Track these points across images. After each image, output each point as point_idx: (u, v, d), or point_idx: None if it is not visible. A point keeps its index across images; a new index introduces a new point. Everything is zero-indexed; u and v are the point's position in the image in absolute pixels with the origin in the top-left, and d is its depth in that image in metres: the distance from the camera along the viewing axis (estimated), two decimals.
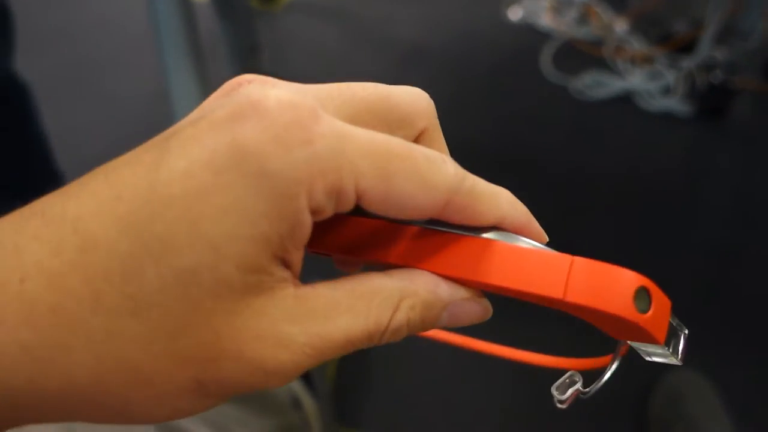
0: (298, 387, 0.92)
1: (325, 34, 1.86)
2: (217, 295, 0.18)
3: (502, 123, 1.56)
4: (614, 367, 0.29)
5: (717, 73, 1.52)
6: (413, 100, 0.24)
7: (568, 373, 0.29)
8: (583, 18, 1.85)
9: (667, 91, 1.62)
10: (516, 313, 1.13)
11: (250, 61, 1.42)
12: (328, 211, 0.20)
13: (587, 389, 0.28)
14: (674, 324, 0.26)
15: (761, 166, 1.45)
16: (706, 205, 1.36)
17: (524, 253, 0.23)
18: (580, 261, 0.23)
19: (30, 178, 1.12)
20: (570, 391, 0.28)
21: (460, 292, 0.23)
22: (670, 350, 0.25)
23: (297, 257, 0.20)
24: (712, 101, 1.54)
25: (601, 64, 1.70)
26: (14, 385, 0.18)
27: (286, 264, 0.20)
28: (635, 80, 1.63)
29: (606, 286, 0.22)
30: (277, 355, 0.19)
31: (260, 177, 0.18)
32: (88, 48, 1.83)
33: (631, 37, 1.77)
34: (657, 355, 0.26)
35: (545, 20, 1.84)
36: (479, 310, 0.25)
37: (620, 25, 1.81)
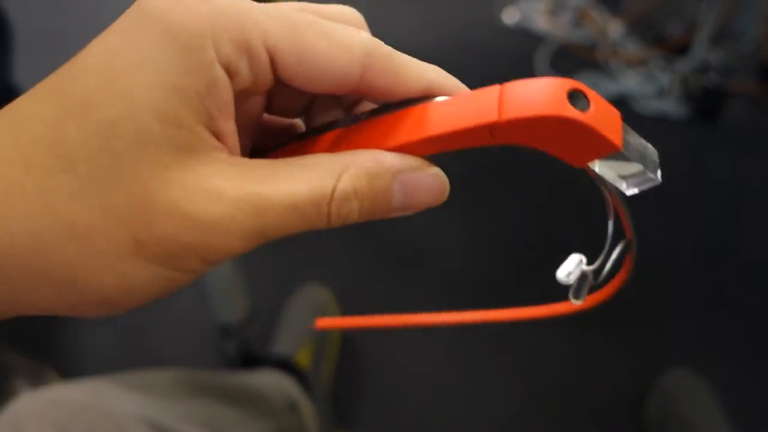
0: (294, 390, 0.92)
1: None
2: (140, 146, 0.18)
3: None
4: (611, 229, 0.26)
5: (711, 75, 1.53)
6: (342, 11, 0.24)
7: (570, 258, 0.26)
8: (578, 21, 1.85)
9: (661, 93, 1.63)
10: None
11: None
12: (244, 72, 0.20)
13: (593, 268, 0.27)
14: (635, 142, 0.23)
15: (756, 168, 1.45)
16: (701, 207, 1.37)
17: (455, 99, 0.22)
18: (509, 83, 0.22)
19: None
20: (575, 272, 0.27)
21: (407, 160, 0.22)
22: (638, 161, 0.22)
23: (227, 128, 0.20)
24: (706, 104, 1.54)
25: (595, 67, 1.71)
26: None
27: (216, 134, 0.20)
28: (630, 83, 1.64)
29: (537, 94, 0.21)
30: (209, 207, 0.19)
31: (164, 32, 0.19)
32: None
33: (625, 40, 1.77)
34: (630, 177, 0.24)
35: (540, 23, 1.85)
36: (432, 180, 0.23)
37: (615, 28, 1.81)
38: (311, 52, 0.20)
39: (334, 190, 0.20)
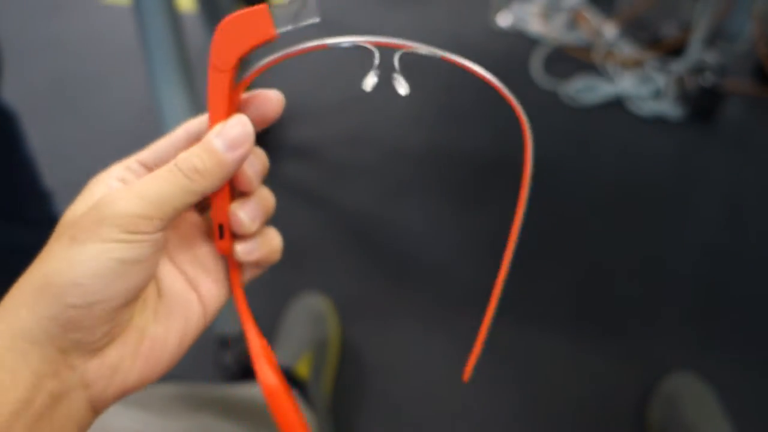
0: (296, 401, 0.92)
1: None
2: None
3: (492, 130, 1.56)
4: None
5: (707, 76, 1.52)
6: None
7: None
8: (572, 23, 1.85)
9: (657, 95, 1.62)
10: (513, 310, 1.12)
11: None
12: (130, 178, 0.36)
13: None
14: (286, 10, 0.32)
15: (752, 168, 1.45)
16: (698, 208, 1.36)
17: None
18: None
19: (18, 201, 1.11)
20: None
21: (215, 127, 0.34)
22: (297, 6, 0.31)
23: None
24: (702, 104, 1.54)
25: (591, 69, 1.71)
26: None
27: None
28: (626, 85, 1.64)
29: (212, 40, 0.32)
30: (107, 198, 0.31)
31: (93, 184, 0.36)
32: (74, 63, 1.82)
33: (620, 42, 1.77)
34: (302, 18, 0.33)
35: (534, 26, 1.84)
36: (237, 124, 0.34)
37: (609, 30, 1.81)
38: (157, 148, 0.38)
39: (176, 159, 0.32)
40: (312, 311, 1.09)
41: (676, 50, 1.69)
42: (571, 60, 1.74)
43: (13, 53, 1.86)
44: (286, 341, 1.05)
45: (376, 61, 0.36)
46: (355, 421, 1.03)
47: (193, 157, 0.32)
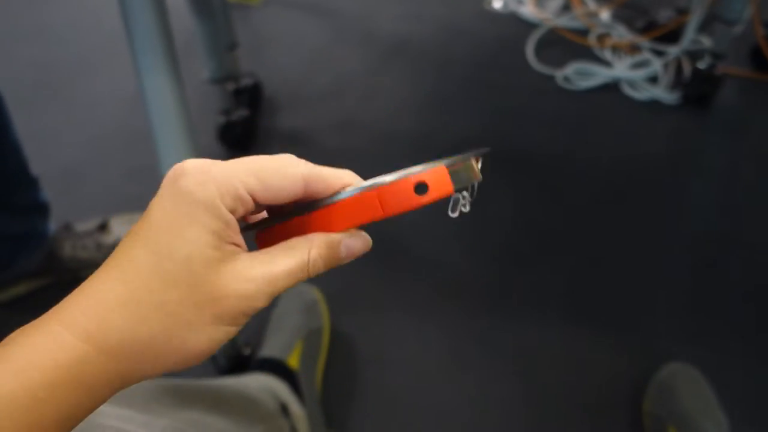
0: (285, 393, 0.91)
1: (304, 28, 1.83)
2: (206, 265, 0.33)
3: (487, 114, 1.54)
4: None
5: (703, 60, 1.51)
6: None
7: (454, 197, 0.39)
8: (567, 7, 1.83)
9: (653, 79, 1.61)
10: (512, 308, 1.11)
11: (226, 58, 1.39)
12: (240, 210, 0.34)
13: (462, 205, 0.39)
14: (460, 172, 0.37)
15: (747, 152, 1.44)
16: (693, 193, 1.35)
17: (352, 201, 0.36)
18: (380, 191, 0.35)
19: (5, 186, 1.09)
20: (458, 208, 0.39)
21: (344, 234, 0.37)
22: (465, 183, 0.37)
23: (240, 240, 0.35)
24: (698, 89, 1.53)
25: (587, 53, 1.69)
26: (126, 340, 0.32)
27: (236, 244, 0.34)
28: (621, 69, 1.62)
29: (397, 196, 0.35)
30: (249, 288, 0.34)
31: (195, 203, 0.33)
32: (59, 49, 1.79)
33: (616, 26, 1.75)
34: (462, 202, 0.39)
35: (529, 9, 1.82)
36: (361, 241, 0.37)
37: (604, 14, 1.79)
38: (272, 186, 0.35)
39: (308, 260, 0.36)
40: (303, 301, 1.08)
41: (672, 34, 1.68)
42: (566, 44, 1.72)
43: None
44: (278, 331, 1.04)
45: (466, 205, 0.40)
46: (346, 412, 1.02)
47: (320, 261, 0.36)
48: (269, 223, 0.39)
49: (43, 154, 1.32)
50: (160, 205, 0.33)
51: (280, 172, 0.35)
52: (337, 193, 0.36)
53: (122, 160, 1.44)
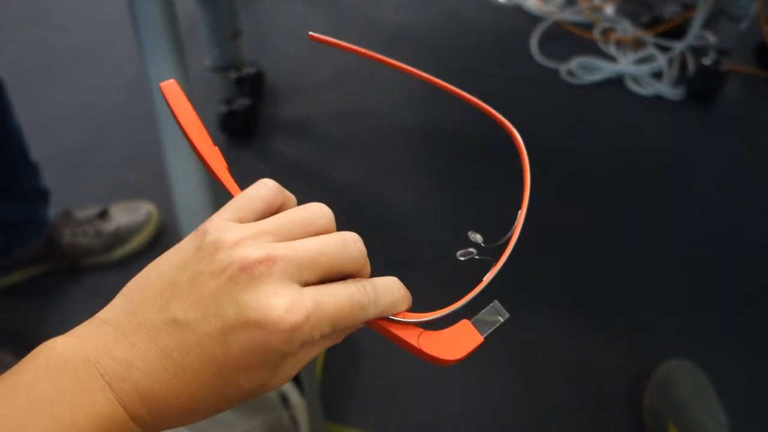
0: (286, 384, 0.91)
1: (307, 17, 1.82)
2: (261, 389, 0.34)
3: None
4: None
5: (708, 56, 1.50)
6: (354, 258, 0.36)
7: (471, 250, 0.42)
8: (572, 0, 1.82)
9: (657, 74, 1.60)
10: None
11: (229, 46, 1.38)
12: None
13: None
14: (485, 322, 0.39)
15: (750, 149, 1.44)
16: (696, 189, 1.35)
17: (396, 334, 0.38)
18: (421, 350, 0.37)
19: (5, 171, 1.08)
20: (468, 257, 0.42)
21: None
22: (493, 327, 0.39)
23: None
24: (702, 84, 1.52)
25: (591, 47, 1.68)
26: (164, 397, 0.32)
27: None
28: (626, 64, 1.61)
29: (436, 361, 0.37)
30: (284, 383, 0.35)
31: (277, 355, 0.32)
32: (59, 34, 1.78)
33: (620, 21, 1.74)
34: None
35: (533, 3, 1.81)
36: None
37: (609, 8, 1.78)
38: (343, 330, 0.36)
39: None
40: None
41: (677, 30, 1.67)
42: (570, 37, 1.71)
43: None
44: None
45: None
46: (345, 403, 1.02)
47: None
48: None
49: (43, 140, 1.32)
50: (241, 342, 0.32)
51: (352, 319, 0.35)
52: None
53: (122, 147, 1.44)
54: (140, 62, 0.87)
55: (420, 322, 0.38)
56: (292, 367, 0.35)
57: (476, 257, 0.43)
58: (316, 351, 0.36)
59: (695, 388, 0.98)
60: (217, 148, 0.41)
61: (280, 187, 0.39)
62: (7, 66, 1.12)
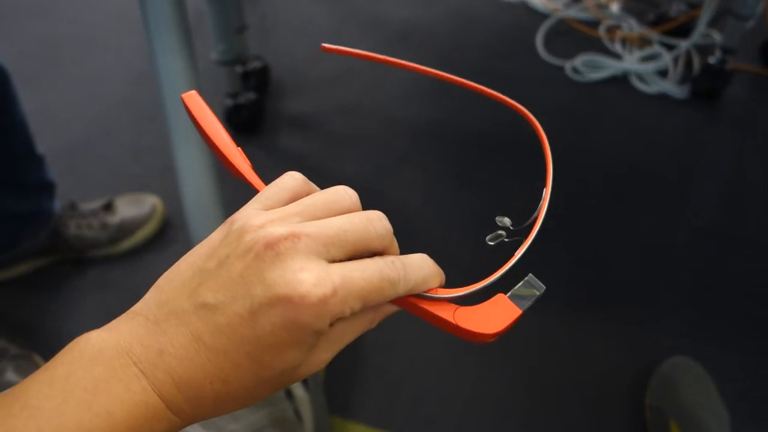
0: None
1: (313, 11, 1.82)
2: (295, 369, 0.34)
3: (495, 105, 1.53)
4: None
5: (713, 55, 1.50)
6: (380, 235, 0.36)
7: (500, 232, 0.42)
8: None
9: (662, 72, 1.60)
10: None
11: (235, 41, 1.38)
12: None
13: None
14: (521, 294, 0.39)
15: (754, 148, 1.44)
16: (699, 187, 1.35)
17: (430, 311, 0.37)
18: (457, 326, 0.36)
19: (11, 164, 1.09)
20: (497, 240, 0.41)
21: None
22: (530, 299, 0.38)
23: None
24: (707, 83, 1.52)
25: (597, 45, 1.68)
26: (200, 383, 0.32)
27: None
28: (631, 61, 1.61)
29: (472, 337, 0.36)
30: (318, 367, 0.36)
31: (308, 333, 0.32)
32: (66, 26, 1.78)
33: (626, 18, 1.74)
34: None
35: (539, 0, 1.81)
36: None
37: (615, 6, 1.78)
38: (368, 304, 0.34)
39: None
40: None
41: (682, 28, 1.67)
42: (575, 35, 1.71)
43: (3, 15, 1.82)
44: None
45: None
46: (349, 396, 1.02)
47: (374, 323, 0.38)
48: None
49: (49, 132, 1.32)
50: (271, 319, 0.32)
51: (382, 294, 0.34)
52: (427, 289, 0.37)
53: (128, 140, 1.44)
54: (149, 55, 0.87)
55: (453, 297, 0.37)
56: (328, 349, 0.35)
57: (506, 240, 0.42)
58: (351, 333, 0.36)
59: (697, 385, 0.98)
60: (240, 148, 0.41)
61: (306, 178, 0.39)
62: (14, 57, 1.12)
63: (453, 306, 0.37)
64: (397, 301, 0.37)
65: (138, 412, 0.31)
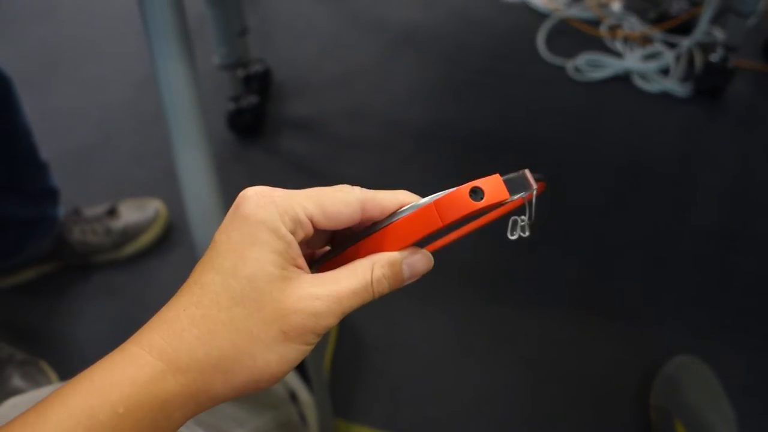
0: (294, 381, 0.91)
1: (314, 14, 1.82)
2: (270, 283, 0.34)
3: (497, 104, 1.53)
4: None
5: (715, 53, 1.50)
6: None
7: (513, 219, 0.40)
8: None
9: (664, 71, 1.60)
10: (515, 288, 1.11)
11: (237, 44, 1.39)
12: (300, 233, 0.36)
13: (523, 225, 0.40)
14: (514, 181, 0.37)
15: (758, 146, 1.43)
16: (703, 186, 1.35)
17: (412, 217, 0.36)
18: (438, 201, 0.35)
19: (15, 170, 1.09)
20: (518, 230, 0.40)
21: (405, 252, 0.37)
22: (521, 190, 0.37)
23: (302, 263, 0.36)
24: (710, 81, 1.52)
25: (598, 44, 1.68)
26: (197, 356, 0.33)
27: (298, 266, 0.36)
28: (633, 60, 1.61)
29: (454, 203, 0.35)
30: (316, 304, 0.34)
31: (258, 224, 0.35)
32: (68, 31, 1.79)
33: (627, 17, 1.74)
34: (521, 224, 0.39)
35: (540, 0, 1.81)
36: (424, 258, 0.38)
37: (616, 5, 1.77)
38: (330, 211, 0.36)
39: (371, 279, 0.36)
40: None
41: (684, 26, 1.66)
42: (577, 34, 1.71)
43: (4, 20, 1.83)
44: None
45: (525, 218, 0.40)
46: (353, 399, 1.03)
47: (385, 282, 0.37)
48: (331, 254, 0.40)
49: (51, 137, 1.32)
50: (225, 232, 0.35)
51: (337, 197, 0.36)
52: (395, 213, 0.37)
53: (131, 145, 1.44)
54: (150, 59, 0.87)
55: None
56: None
57: (523, 225, 0.40)
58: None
59: (702, 384, 0.98)
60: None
61: None
62: (16, 63, 1.13)
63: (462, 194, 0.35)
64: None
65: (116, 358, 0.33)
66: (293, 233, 0.35)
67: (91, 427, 0.31)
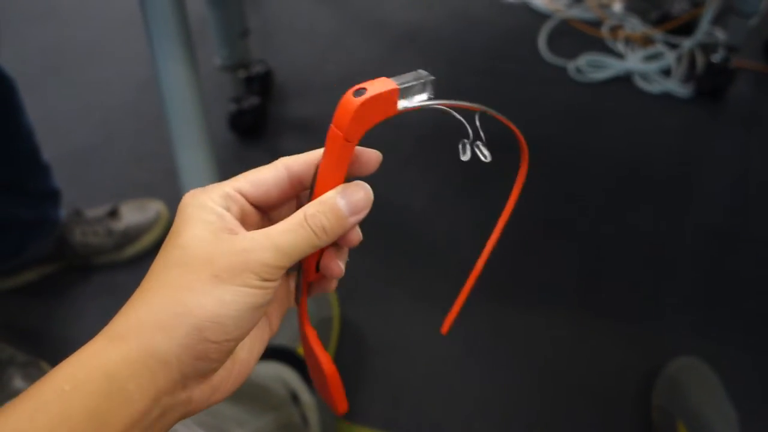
0: (296, 382, 0.91)
1: (315, 15, 1.82)
2: (203, 243, 0.35)
3: (498, 105, 1.53)
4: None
5: (717, 53, 1.50)
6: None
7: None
8: None
9: (666, 71, 1.60)
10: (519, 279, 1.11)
11: (238, 45, 1.39)
12: (233, 207, 0.37)
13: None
14: (407, 78, 0.38)
15: (759, 146, 1.43)
16: (704, 187, 1.34)
17: (325, 151, 0.37)
18: (333, 120, 0.35)
19: (17, 172, 1.09)
20: (468, 151, 0.44)
21: (337, 187, 0.37)
22: (415, 81, 0.38)
23: (240, 230, 0.37)
24: (711, 82, 1.52)
25: (600, 45, 1.68)
26: (131, 320, 0.33)
27: (234, 233, 0.36)
28: (634, 61, 1.61)
29: (343, 110, 0.35)
30: (244, 243, 0.34)
31: (190, 210, 0.36)
32: (69, 33, 1.79)
33: (629, 18, 1.74)
34: (420, 92, 0.40)
35: (541, 0, 1.81)
36: (356, 187, 0.38)
37: (617, 5, 1.78)
38: (256, 179, 0.38)
39: (304, 214, 0.36)
40: None
41: (685, 27, 1.66)
42: (578, 35, 1.71)
43: (6, 22, 1.83)
44: (288, 319, 1.03)
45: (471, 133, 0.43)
46: (354, 400, 1.02)
47: (320, 215, 0.36)
48: (300, 275, 0.41)
49: (53, 139, 1.32)
50: (171, 228, 0.37)
51: (262, 167, 0.38)
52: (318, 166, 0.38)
53: (132, 146, 1.44)
54: (151, 61, 0.88)
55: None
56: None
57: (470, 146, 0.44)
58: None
59: (704, 385, 0.98)
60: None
61: None
62: (18, 64, 1.13)
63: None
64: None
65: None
66: (227, 208, 0.36)
67: (38, 409, 0.30)
